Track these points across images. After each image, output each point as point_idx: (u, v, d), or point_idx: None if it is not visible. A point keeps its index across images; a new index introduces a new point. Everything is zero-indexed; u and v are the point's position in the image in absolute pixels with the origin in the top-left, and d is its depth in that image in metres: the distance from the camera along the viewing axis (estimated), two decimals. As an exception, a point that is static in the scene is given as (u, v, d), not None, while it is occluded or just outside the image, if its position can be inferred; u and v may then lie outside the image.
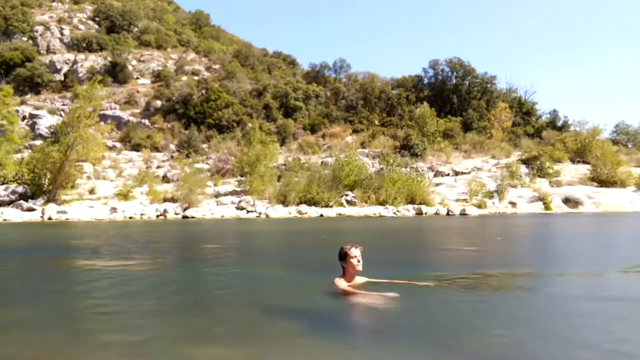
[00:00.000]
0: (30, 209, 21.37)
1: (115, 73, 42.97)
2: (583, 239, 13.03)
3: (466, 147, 38.19)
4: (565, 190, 29.64)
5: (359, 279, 5.30)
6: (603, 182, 31.27)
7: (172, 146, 36.08)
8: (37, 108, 37.77)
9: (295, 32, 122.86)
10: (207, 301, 5.30)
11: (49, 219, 20.06)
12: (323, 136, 40.12)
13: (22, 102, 38.49)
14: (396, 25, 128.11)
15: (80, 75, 42.03)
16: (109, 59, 43.71)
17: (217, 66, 46.69)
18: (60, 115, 36.16)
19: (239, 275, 6.90)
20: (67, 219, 20.10)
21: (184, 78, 43.54)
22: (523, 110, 46.34)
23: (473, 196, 27.25)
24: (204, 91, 40.40)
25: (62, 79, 42.25)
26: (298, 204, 23.88)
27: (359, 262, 5.18)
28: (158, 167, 32.22)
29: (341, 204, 24.66)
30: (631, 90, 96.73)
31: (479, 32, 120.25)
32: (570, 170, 34.10)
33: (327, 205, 24.04)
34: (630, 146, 45.60)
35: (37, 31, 45.57)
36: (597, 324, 4.27)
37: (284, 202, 24.12)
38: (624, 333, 3.98)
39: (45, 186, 23.39)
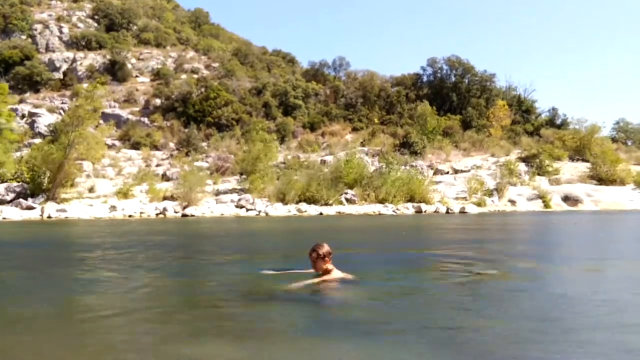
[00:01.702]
0: (30, 208, 21.37)
1: (115, 71, 42.97)
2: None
3: (465, 145, 38.21)
4: (564, 188, 29.66)
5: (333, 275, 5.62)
6: (602, 180, 31.31)
7: (172, 144, 36.08)
8: (36, 106, 37.75)
9: (295, 30, 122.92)
10: (207, 301, 5.31)
11: (49, 217, 20.06)
12: (322, 134, 40.12)
13: (21, 101, 38.46)
14: (395, 23, 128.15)
15: (80, 73, 42.01)
16: (108, 57, 43.69)
17: (216, 64, 46.68)
18: (60, 114, 36.16)
19: (239, 274, 6.90)
20: (66, 217, 20.11)
21: (183, 76, 43.53)
22: (522, 108, 46.35)
23: (472, 194, 27.27)
24: (203, 89, 40.39)
25: (62, 77, 42.24)
26: (297, 202, 23.89)
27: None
28: (157, 165, 32.22)
29: (341, 202, 24.67)
30: (631, 88, 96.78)
31: (478, 30, 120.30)
32: (570, 168, 34.14)
33: (326, 204, 24.06)
34: (629, 144, 45.64)
35: (36, 29, 45.54)
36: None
37: (284, 201, 24.13)
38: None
39: (44, 185, 23.38)
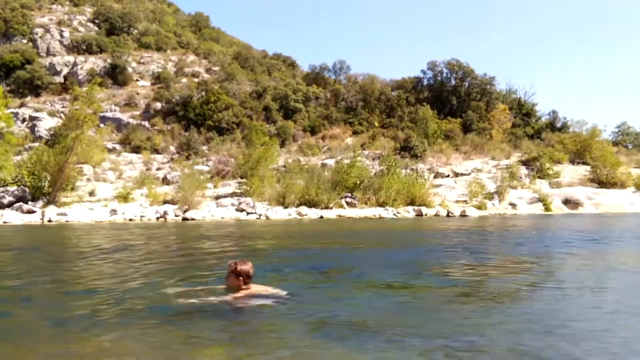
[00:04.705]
0: (30, 211, 21.32)
1: (115, 75, 43.01)
2: None
3: (466, 149, 38.20)
4: (565, 191, 29.63)
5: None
6: (603, 183, 31.30)
7: (172, 148, 36.08)
8: (37, 110, 37.78)
9: (295, 34, 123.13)
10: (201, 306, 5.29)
11: (49, 221, 20.02)
12: (323, 138, 40.13)
13: (22, 105, 38.50)
14: (395, 26, 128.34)
15: (80, 77, 42.06)
16: (109, 61, 43.75)
17: (216, 68, 46.74)
18: (61, 118, 36.20)
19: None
20: (67, 221, 20.08)
21: (184, 80, 43.57)
22: (523, 111, 46.38)
23: (473, 197, 27.25)
24: (203, 93, 40.42)
25: (62, 81, 42.28)
26: (298, 206, 23.87)
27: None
28: (158, 169, 32.20)
29: (341, 206, 24.64)
30: (632, 92, 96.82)
31: (478, 33, 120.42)
32: (570, 172, 34.12)
33: (327, 207, 24.03)
34: (630, 147, 45.65)
35: (37, 33, 45.60)
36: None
37: (284, 204, 24.11)
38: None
39: (45, 188, 23.33)
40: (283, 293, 5.29)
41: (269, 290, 5.31)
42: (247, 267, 5.17)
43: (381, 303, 5.32)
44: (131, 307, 5.10)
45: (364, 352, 3.55)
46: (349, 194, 25.45)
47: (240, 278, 5.13)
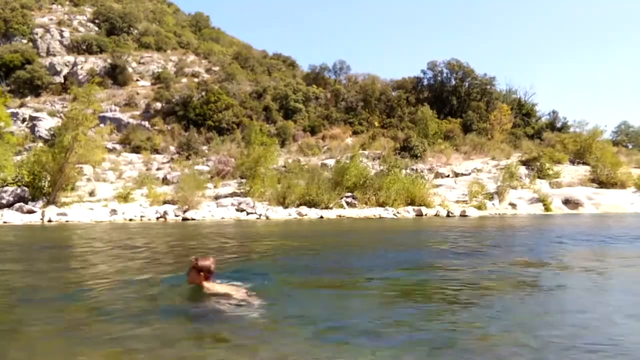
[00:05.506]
0: (31, 211, 21.31)
1: (115, 75, 43.04)
2: None
3: (466, 149, 38.20)
4: (565, 191, 29.61)
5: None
6: (603, 183, 31.29)
7: (172, 148, 36.08)
8: (37, 110, 37.80)
9: (295, 34, 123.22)
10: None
11: (49, 221, 20.01)
12: (323, 138, 40.13)
13: (22, 105, 38.51)
14: (395, 27, 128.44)
15: (81, 77, 42.08)
16: (109, 61, 43.77)
17: (216, 68, 46.76)
18: (61, 118, 36.19)
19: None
20: (67, 221, 20.07)
21: (184, 80, 43.59)
22: (523, 111, 46.40)
23: (473, 197, 27.23)
24: (203, 93, 40.43)
25: (62, 81, 42.30)
26: (298, 206, 23.87)
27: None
28: (158, 169, 32.20)
29: (341, 206, 24.63)
30: (632, 91, 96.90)
31: (478, 33, 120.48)
32: (570, 172, 34.11)
33: (327, 207, 24.02)
34: (630, 147, 45.68)
35: (37, 33, 45.63)
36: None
37: (284, 204, 24.10)
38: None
39: (45, 188, 23.32)
40: (244, 290, 5.19)
41: (233, 288, 5.23)
42: (208, 262, 5.18)
43: (375, 302, 5.31)
44: (107, 307, 5.09)
45: (342, 353, 3.54)
46: (349, 194, 25.45)
47: (202, 274, 5.15)
